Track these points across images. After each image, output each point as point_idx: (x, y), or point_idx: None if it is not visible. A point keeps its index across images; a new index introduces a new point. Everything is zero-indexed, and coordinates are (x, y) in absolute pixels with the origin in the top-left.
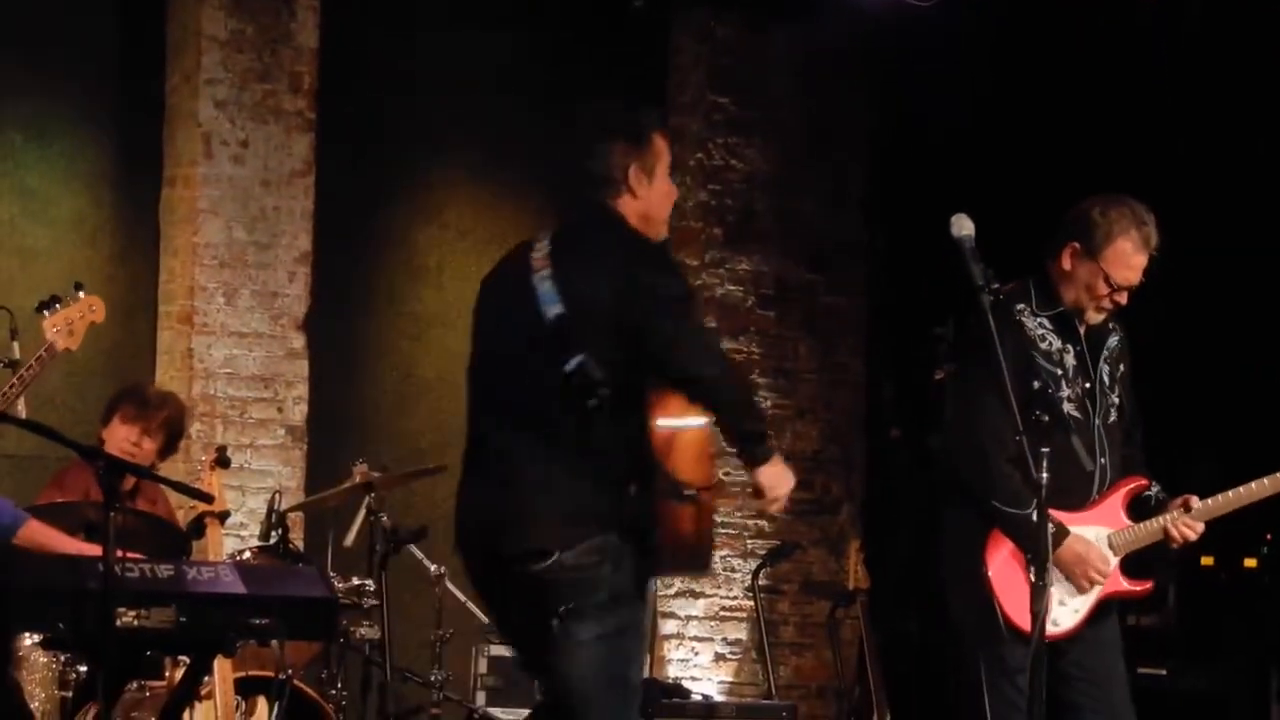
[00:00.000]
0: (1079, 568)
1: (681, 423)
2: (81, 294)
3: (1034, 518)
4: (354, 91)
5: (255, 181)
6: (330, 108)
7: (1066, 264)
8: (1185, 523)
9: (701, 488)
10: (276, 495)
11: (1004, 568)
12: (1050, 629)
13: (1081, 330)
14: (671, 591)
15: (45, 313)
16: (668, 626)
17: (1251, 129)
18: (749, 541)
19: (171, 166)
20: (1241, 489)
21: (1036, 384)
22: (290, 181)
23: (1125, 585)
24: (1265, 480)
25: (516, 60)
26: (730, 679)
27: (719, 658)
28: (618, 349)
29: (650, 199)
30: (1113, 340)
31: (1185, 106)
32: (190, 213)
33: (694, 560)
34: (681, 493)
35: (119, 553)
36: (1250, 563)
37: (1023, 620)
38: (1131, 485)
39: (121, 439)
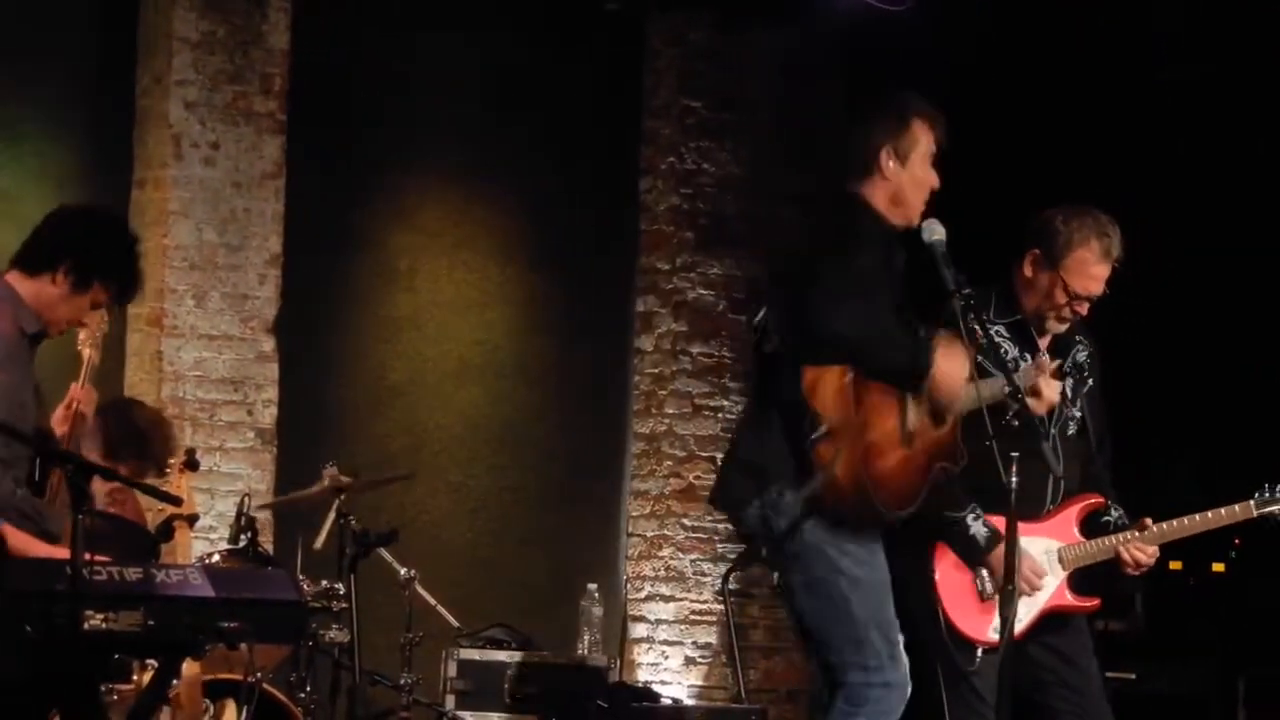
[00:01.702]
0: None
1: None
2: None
3: (968, 520)
4: (325, 94)
5: (226, 183)
6: (301, 110)
7: (1028, 271)
8: (1138, 546)
9: (843, 429)
10: (246, 498)
11: (950, 574)
12: (991, 636)
13: (1044, 340)
14: (642, 595)
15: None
16: (637, 630)
17: (1238, 134)
18: (719, 545)
19: (142, 168)
20: (1198, 516)
21: (1008, 388)
22: (261, 184)
23: (1071, 600)
24: (1222, 510)
25: (489, 63)
26: (700, 683)
27: (689, 661)
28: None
29: (901, 182)
30: (1081, 353)
31: (1168, 111)
32: (160, 214)
33: (862, 509)
34: (817, 437)
35: (87, 555)
36: (1218, 567)
37: (966, 625)
38: (1088, 502)
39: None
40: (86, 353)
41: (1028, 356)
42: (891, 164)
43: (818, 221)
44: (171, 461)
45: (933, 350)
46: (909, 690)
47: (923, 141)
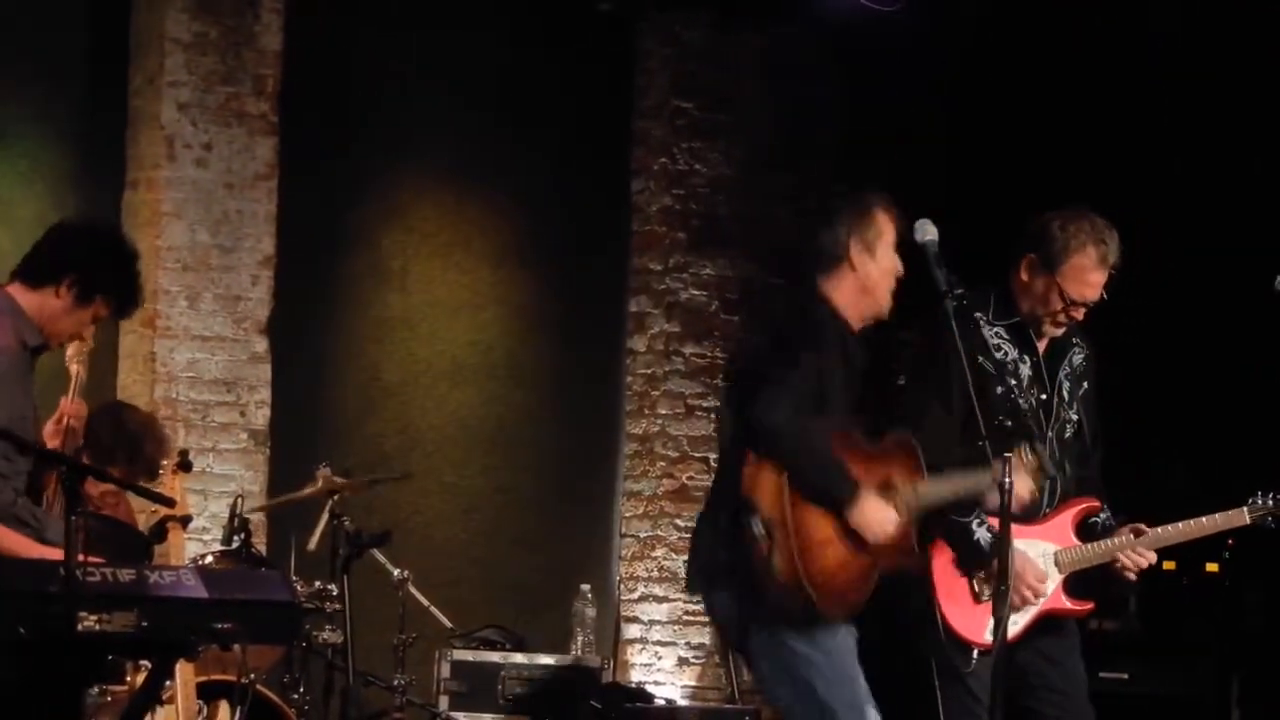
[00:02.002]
0: (1013, 582)
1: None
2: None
3: (973, 525)
4: (318, 94)
5: (218, 184)
6: (294, 111)
7: (1024, 275)
8: (1139, 551)
9: (779, 526)
10: (239, 499)
11: (946, 575)
12: (987, 638)
13: (1041, 343)
14: (635, 596)
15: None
16: (631, 630)
17: (1232, 135)
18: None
19: (134, 169)
20: (1193, 522)
21: (1000, 389)
22: (254, 185)
23: (1067, 604)
24: (1217, 516)
25: (481, 64)
26: (693, 683)
27: (682, 662)
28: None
29: (870, 272)
30: (1077, 357)
31: (1162, 112)
32: (153, 216)
33: (804, 606)
34: (754, 529)
35: (80, 557)
36: (1212, 567)
37: (962, 627)
38: (1084, 505)
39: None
40: (74, 368)
41: (1026, 359)
42: (861, 256)
43: (780, 319)
44: (164, 463)
45: (858, 489)
46: None
47: (887, 231)
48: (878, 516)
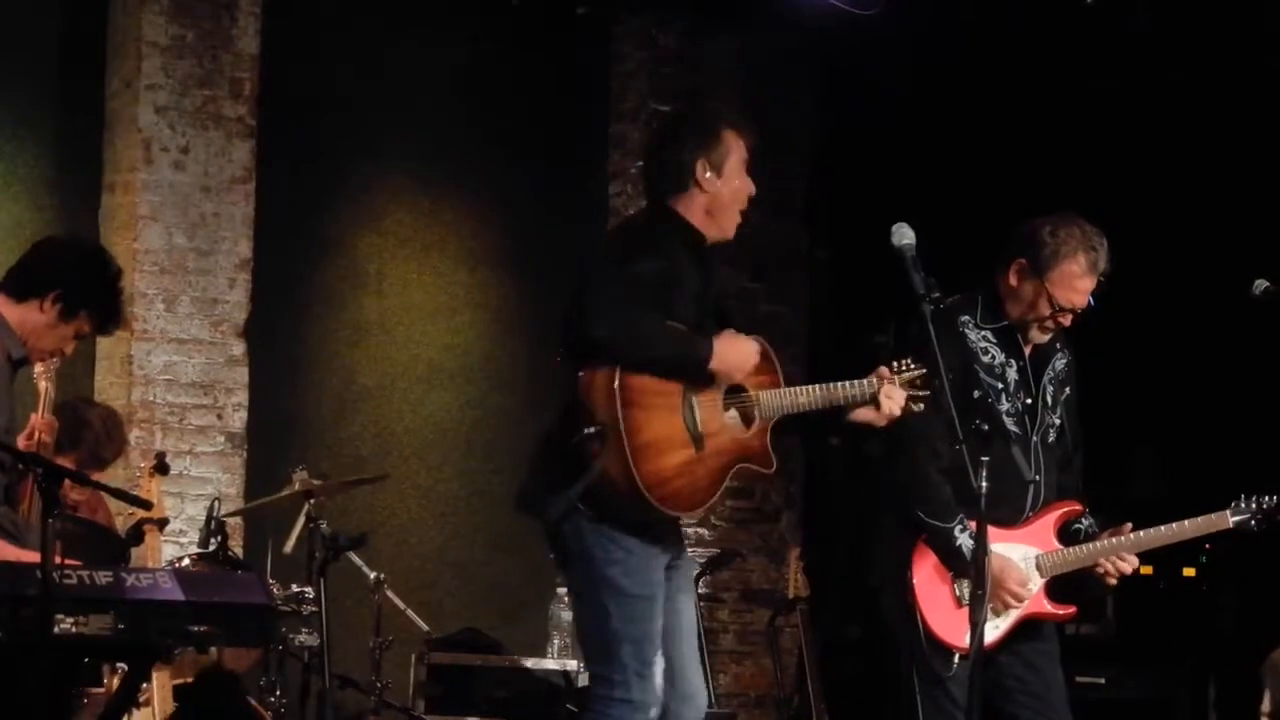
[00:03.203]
0: (994, 587)
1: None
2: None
3: (955, 531)
4: (295, 98)
5: (195, 188)
6: (271, 114)
7: (1013, 280)
8: (1120, 556)
9: (612, 428)
10: (216, 502)
11: (928, 579)
12: (967, 643)
13: (1027, 348)
14: None
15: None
16: None
17: (1199, 140)
18: (688, 550)
19: (111, 172)
20: (1175, 525)
21: (977, 393)
22: (230, 188)
23: (1048, 608)
24: (1199, 520)
25: (457, 67)
26: None
27: None
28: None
29: (718, 193)
30: (1060, 362)
31: (1133, 115)
32: (130, 219)
33: (635, 507)
34: (587, 435)
35: (57, 559)
36: (1189, 571)
37: (944, 632)
38: (1066, 509)
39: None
40: (43, 385)
41: (1013, 363)
42: (708, 176)
43: (608, 233)
44: (143, 465)
45: (706, 340)
46: (656, 713)
47: (735, 151)
48: (735, 352)
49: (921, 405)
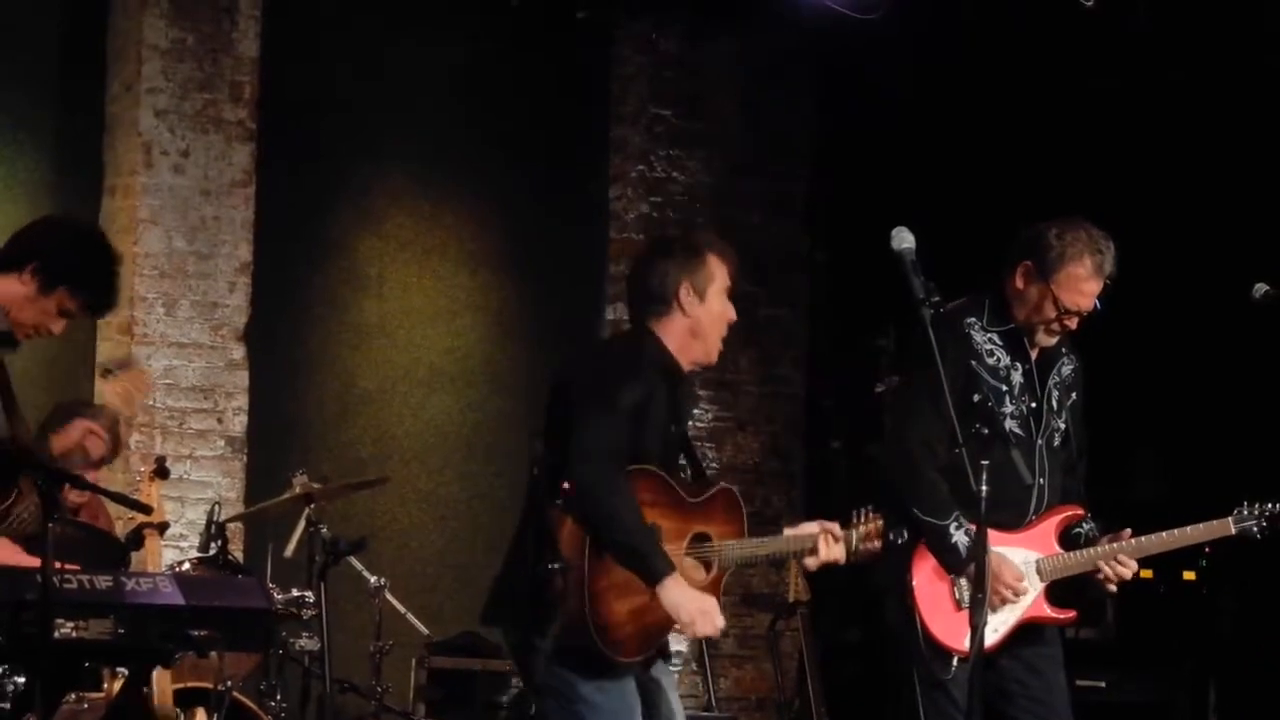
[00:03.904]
0: (990, 582)
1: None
2: (129, 369)
3: (951, 529)
4: (295, 101)
5: (195, 191)
6: (271, 117)
7: (1019, 283)
8: (1120, 561)
9: (574, 567)
10: (216, 506)
11: (928, 583)
12: (966, 645)
13: (1033, 351)
14: None
15: (106, 377)
16: None
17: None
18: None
19: (112, 176)
20: (1177, 531)
21: (977, 397)
22: (231, 191)
23: (1049, 611)
24: (1201, 526)
25: (458, 71)
26: None
27: None
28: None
29: (699, 317)
30: (1066, 367)
31: (1133, 118)
32: (130, 222)
33: (590, 649)
34: (550, 570)
35: (57, 564)
36: (1189, 575)
37: (943, 635)
38: (1067, 514)
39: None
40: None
41: (1019, 365)
42: (690, 299)
43: (603, 349)
44: (143, 469)
45: (668, 571)
46: None
47: (718, 276)
48: (688, 605)
49: (874, 556)
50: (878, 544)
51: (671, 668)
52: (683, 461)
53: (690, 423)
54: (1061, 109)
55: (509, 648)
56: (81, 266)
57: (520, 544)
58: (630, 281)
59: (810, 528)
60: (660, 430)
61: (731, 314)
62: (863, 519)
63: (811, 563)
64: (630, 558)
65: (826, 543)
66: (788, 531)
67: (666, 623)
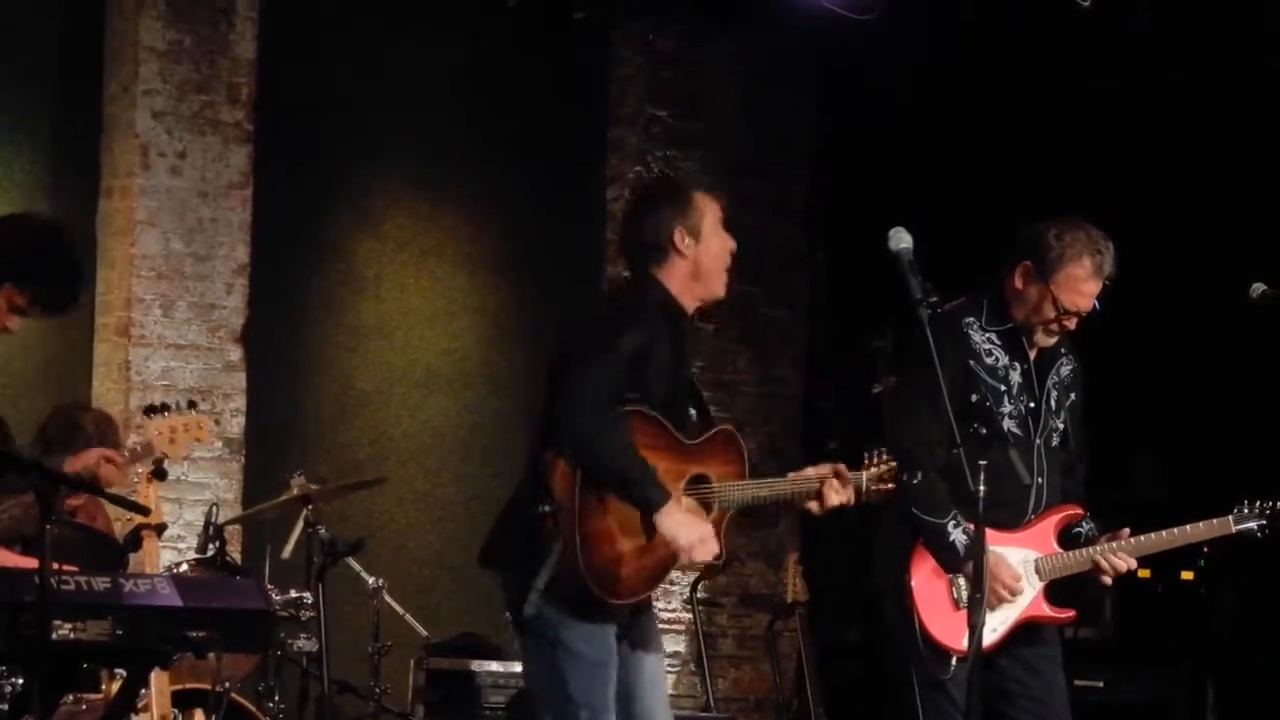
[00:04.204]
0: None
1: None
2: (193, 411)
3: (949, 527)
4: (292, 103)
5: (193, 193)
6: (269, 119)
7: (1018, 283)
8: (1116, 553)
9: (566, 510)
10: (214, 508)
11: (927, 582)
12: (965, 645)
13: (1032, 351)
14: None
15: (152, 416)
16: None
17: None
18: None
19: (109, 177)
20: (1176, 530)
21: (975, 397)
22: (228, 193)
23: (1048, 610)
24: (1200, 525)
25: (456, 72)
26: (669, 691)
27: None
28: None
29: (699, 256)
30: (1065, 368)
31: (1132, 117)
32: (127, 224)
33: (580, 590)
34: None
35: (54, 565)
36: (1187, 575)
37: (942, 635)
38: (1066, 513)
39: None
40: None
41: (1017, 365)
42: (685, 242)
43: (600, 302)
44: (140, 471)
45: (665, 499)
46: None
47: (709, 212)
48: (686, 531)
49: (885, 494)
50: (890, 486)
51: (669, 668)
52: (691, 411)
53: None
54: (1060, 109)
55: (503, 588)
56: (29, 261)
57: (520, 489)
58: (623, 237)
59: (821, 470)
60: (665, 375)
61: (731, 244)
62: (875, 460)
63: (815, 507)
64: (625, 488)
65: (832, 487)
66: (792, 475)
67: (659, 567)
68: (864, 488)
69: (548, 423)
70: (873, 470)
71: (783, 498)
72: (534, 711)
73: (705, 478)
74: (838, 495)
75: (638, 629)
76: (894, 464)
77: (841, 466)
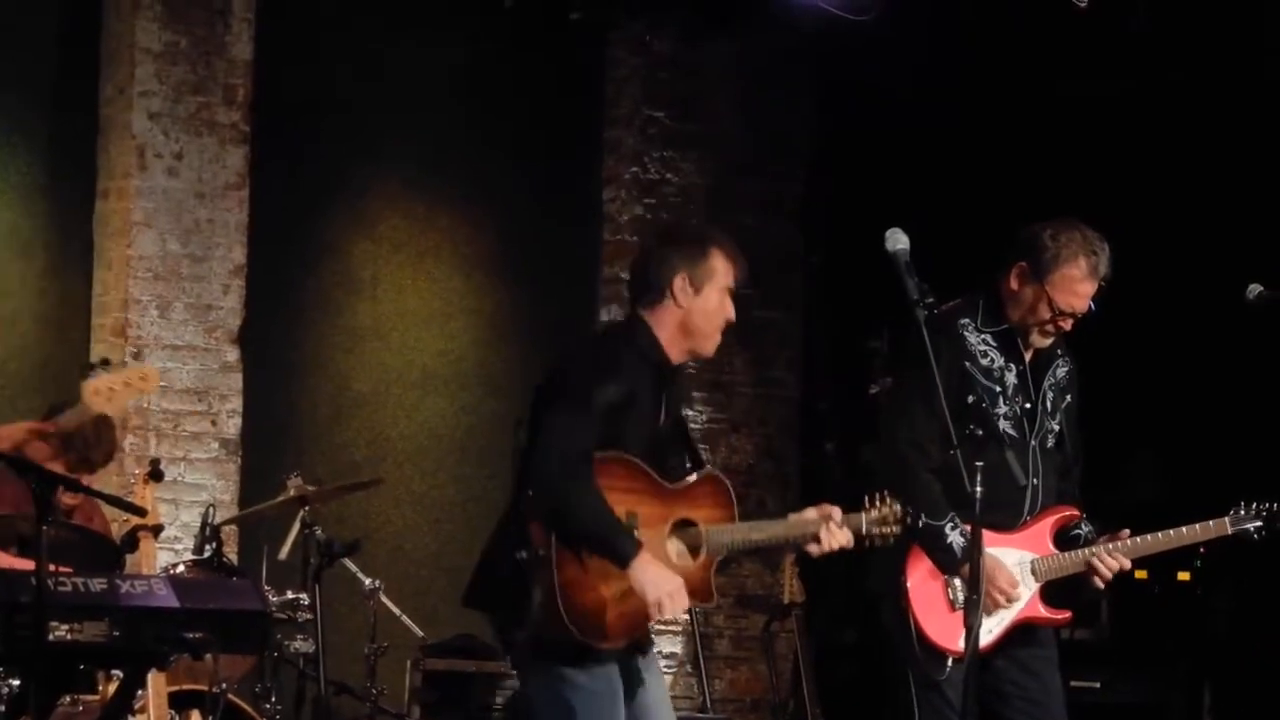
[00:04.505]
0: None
1: None
2: (134, 362)
3: (946, 529)
4: (289, 104)
5: (189, 194)
6: (265, 120)
7: (1014, 284)
8: (1112, 553)
9: (547, 554)
10: (210, 509)
11: (922, 583)
12: (962, 645)
13: (1027, 352)
14: None
15: (88, 375)
16: None
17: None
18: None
19: (105, 179)
20: (1173, 531)
21: (972, 399)
22: (224, 194)
23: (1044, 612)
24: (1197, 526)
25: (452, 73)
26: None
27: None
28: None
29: (693, 309)
30: (1061, 369)
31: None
32: (124, 225)
33: (563, 635)
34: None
35: (51, 566)
36: (1183, 576)
37: (938, 636)
38: (1062, 514)
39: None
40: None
41: (1013, 366)
42: (684, 291)
43: (584, 343)
44: (137, 472)
45: (636, 551)
46: None
47: (720, 273)
48: (656, 582)
49: (892, 539)
50: (896, 529)
51: (665, 669)
52: (681, 456)
53: (690, 424)
54: (1058, 110)
55: (493, 630)
56: None
57: (502, 527)
58: (632, 266)
59: (810, 514)
60: (646, 423)
61: (730, 313)
62: (877, 504)
63: (815, 550)
64: (595, 544)
65: (829, 529)
66: (793, 517)
67: (643, 612)
68: (864, 530)
69: (527, 467)
70: (873, 514)
71: (776, 542)
72: None
73: (691, 522)
74: (834, 539)
75: (641, 663)
76: (896, 508)
77: (833, 509)
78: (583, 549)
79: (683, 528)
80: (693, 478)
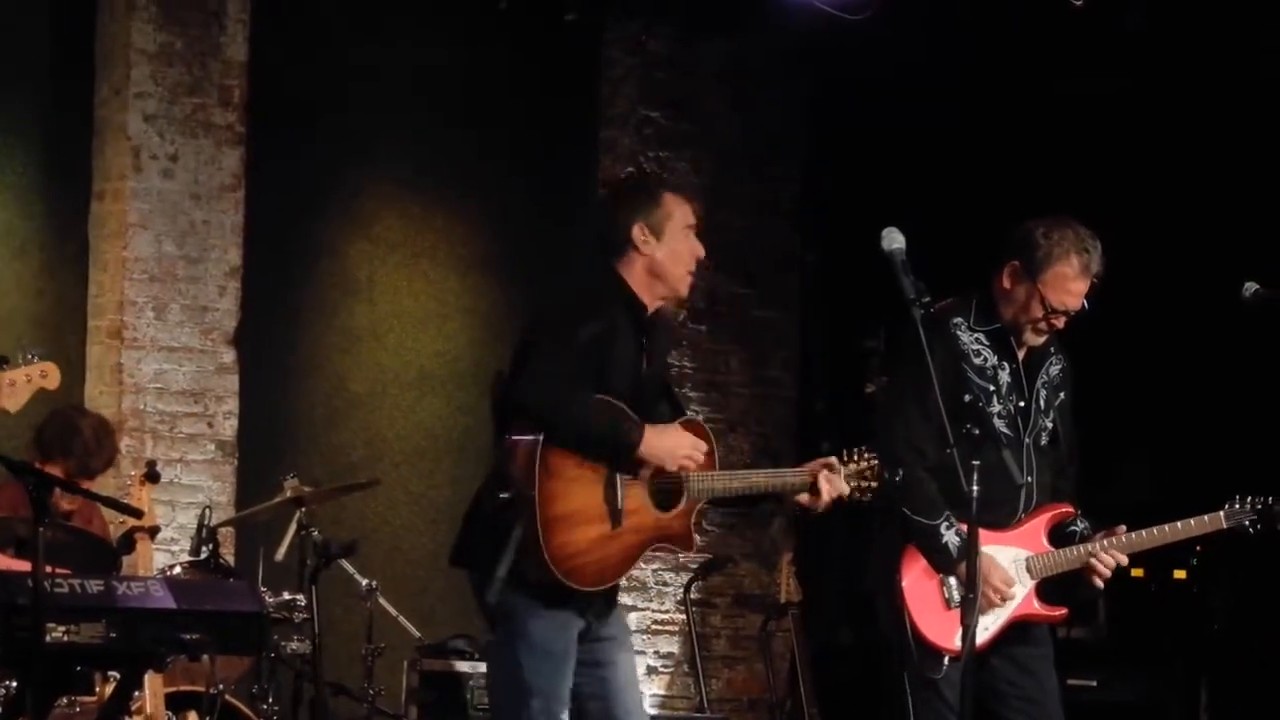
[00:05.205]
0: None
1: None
2: (35, 359)
3: (941, 528)
4: (284, 105)
5: (185, 195)
6: (260, 121)
7: (1006, 282)
8: (1107, 549)
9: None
10: (207, 510)
11: (918, 582)
12: (958, 644)
13: (1020, 351)
14: None
15: None
16: None
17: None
18: (681, 555)
19: (101, 180)
20: (1168, 526)
21: (968, 398)
22: (220, 195)
23: (1039, 609)
24: (1192, 521)
25: (448, 74)
26: (663, 692)
27: (651, 671)
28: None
29: (657, 256)
30: (1054, 367)
31: (1125, 118)
32: (119, 227)
33: (541, 576)
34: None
35: (48, 568)
36: (1180, 574)
37: (934, 635)
38: (1057, 511)
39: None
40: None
41: (1006, 365)
42: (645, 239)
43: (558, 292)
44: (134, 473)
45: (639, 428)
46: None
47: (677, 214)
48: (673, 449)
49: (870, 495)
50: (872, 484)
51: (663, 669)
52: (664, 407)
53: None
54: (1054, 109)
55: (471, 583)
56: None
57: (486, 482)
58: (594, 225)
59: (811, 466)
60: (628, 368)
61: (699, 250)
62: (854, 457)
63: (805, 500)
64: (599, 441)
65: (827, 479)
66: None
67: (625, 555)
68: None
69: (508, 408)
70: (851, 467)
71: (757, 491)
72: (491, 704)
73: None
74: (834, 486)
75: (607, 626)
76: (874, 461)
77: (831, 459)
78: (570, 485)
79: (663, 473)
80: (678, 424)
